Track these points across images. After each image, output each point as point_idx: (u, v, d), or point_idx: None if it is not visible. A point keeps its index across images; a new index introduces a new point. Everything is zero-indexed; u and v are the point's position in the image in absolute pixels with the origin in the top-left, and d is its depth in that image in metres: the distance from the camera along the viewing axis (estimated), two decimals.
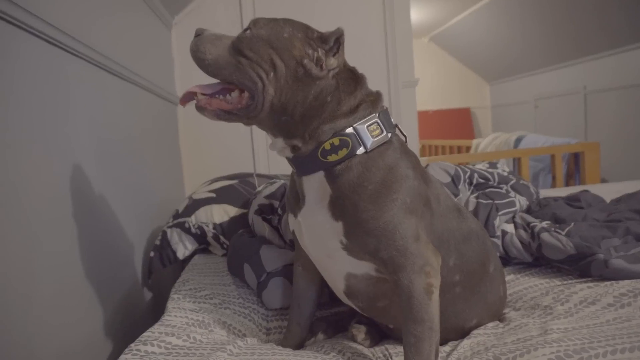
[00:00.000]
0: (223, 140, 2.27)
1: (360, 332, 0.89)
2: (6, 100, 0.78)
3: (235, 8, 2.21)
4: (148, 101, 1.74)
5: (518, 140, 3.15)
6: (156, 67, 1.92)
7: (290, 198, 0.82)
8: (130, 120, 1.49)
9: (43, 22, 0.89)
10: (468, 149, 3.80)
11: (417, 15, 4.62)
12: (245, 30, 0.72)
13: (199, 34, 0.74)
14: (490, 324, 0.88)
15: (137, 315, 1.36)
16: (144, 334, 0.78)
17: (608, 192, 1.51)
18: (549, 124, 4.50)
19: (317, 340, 0.92)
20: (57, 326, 0.88)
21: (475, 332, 0.84)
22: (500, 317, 0.93)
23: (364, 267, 0.75)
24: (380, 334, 0.91)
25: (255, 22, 0.73)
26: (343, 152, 0.70)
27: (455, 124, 5.49)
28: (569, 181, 2.65)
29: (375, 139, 0.71)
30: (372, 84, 0.78)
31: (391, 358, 0.81)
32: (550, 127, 4.29)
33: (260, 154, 2.26)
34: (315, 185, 0.74)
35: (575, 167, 2.59)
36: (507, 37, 4.60)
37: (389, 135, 0.73)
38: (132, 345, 0.73)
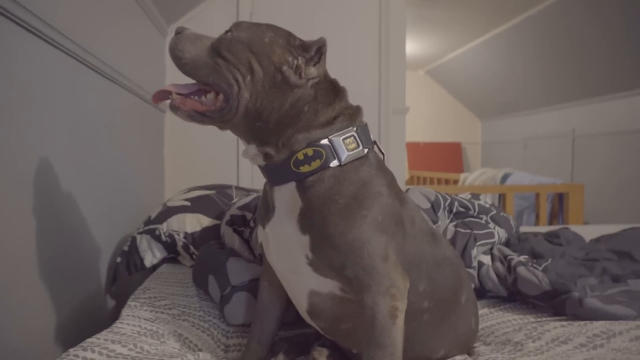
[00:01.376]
0: (209, 150, 2.24)
1: (322, 355, 0.84)
2: None
3: (233, 18, 2.22)
4: (135, 105, 1.72)
5: (505, 177, 3.16)
6: (147, 73, 1.90)
7: (261, 209, 0.79)
8: (114, 122, 1.46)
9: (34, 16, 0.88)
10: (456, 182, 3.81)
11: (414, 47, 4.71)
12: (227, 32, 0.70)
13: (179, 32, 0.72)
14: (458, 358, 0.83)
15: (95, 322, 1.29)
16: (88, 339, 0.73)
17: (589, 232, 1.50)
18: (537, 164, 4.55)
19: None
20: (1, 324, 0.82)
21: None
22: (469, 351, 0.89)
23: (328, 286, 0.71)
24: (341, 357, 0.86)
25: (237, 25, 0.71)
26: (316, 164, 0.68)
27: (446, 158, 5.53)
28: (552, 221, 2.64)
29: (350, 153, 0.69)
30: (363, 109, 0.76)
31: None
32: (538, 167, 4.34)
33: (245, 167, 2.23)
34: (285, 196, 0.71)
35: (559, 207, 2.59)
36: (502, 76, 4.69)
37: (365, 150, 0.71)
38: (71, 350, 0.68)
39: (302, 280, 0.73)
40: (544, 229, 1.68)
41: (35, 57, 0.95)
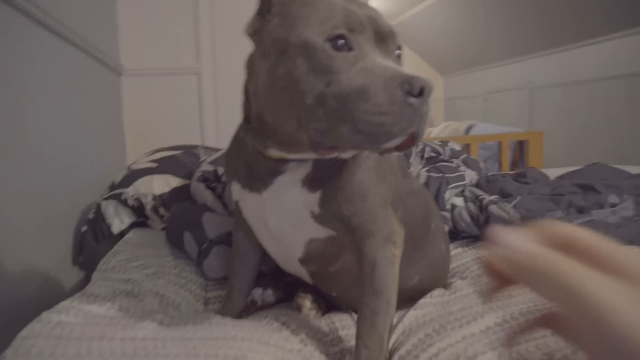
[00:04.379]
0: (170, 112, 2.15)
1: (306, 299, 0.84)
2: None
3: None
4: (89, 66, 1.60)
5: (468, 129, 3.22)
6: (100, 33, 1.77)
7: (246, 174, 0.71)
8: (67, 83, 1.36)
9: None
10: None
11: (375, 4, 4.61)
12: None
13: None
14: (435, 292, 0.86)
15: (63, 295, 1.25)
16: (61, 302, 0.70)
17: (552, 174, 1.56)
18: (497, 116, 4.66)
19: (266, 296, 0.87)
20: None
21: (421, 301, 0.82)
22: (445, 284, 0.92)
23: (327, 231, 0.70)
24: (326, 304, 0.87)
25: None
26: None
27: None
28: (513, 167, 2.74)
29: None
30: None
31: (337, 331, 0.77)
32: (498, 119, 4.45)
33: (209, 128, 2.15)
34: (294, 165, 0.66)
35: (519, 154, 2.68)
36: (464, 31, 4.70)
37: None
38: (44, 313, 0.64)
39: (301, 233, 0.71)
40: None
41: None
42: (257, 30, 0.58)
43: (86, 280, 1.42)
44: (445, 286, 0.91)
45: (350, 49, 0.50)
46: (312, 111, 0.50)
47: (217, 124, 2.14)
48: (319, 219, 0.67)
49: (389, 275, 0.65)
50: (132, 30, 2.07)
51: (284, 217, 0.69)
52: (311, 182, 0.65)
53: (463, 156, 1.28)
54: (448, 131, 3.47)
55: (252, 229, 0.78)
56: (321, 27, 0.50)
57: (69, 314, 0.65)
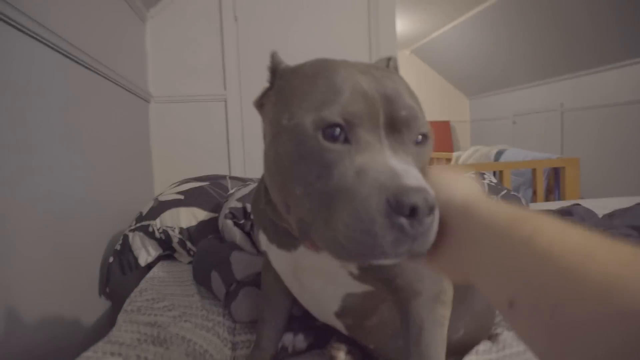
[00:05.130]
0: (197, 140, 2.15)
1: (340, 351, 0.79)
2: None
3: (215, 1, 2.12)
4: (118, 96, 1.62)
5: (499, 154, 3.13)
6: (128, 62, 1.80)
7: (269, 226, 0.67)
8: (97, 114, 1.37)
9: (9, 5, 0.79)
10: (448, 160, 3.77)
11: (399, 26, 4.62)
12: None
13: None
14: (481, 347, 0.79)
15: (90, 328, 1.22)
16: (84, 353, 0.66)
17: (595, 207, 1.47)
18: (526, 139, 4.54)
19: (297, 342, 0.82)
20: None
21: (466, 359, 0.75)
22: (491, 335, 0.85)
23: (366, 286, 0.65)
24: (361, 354, 0.81)
25: None
26: None
27: (436, 137, 5.46)
28: (548, 196, 2.63)
29: None
30: None
31: None
32: (528, 143, 4.33)
33: (236, 156, 2.14)
34: None
35: (555, 182, 2.57)
36: (488, 52, 4.64)
37: None
38: None
39: (337, 289, 0.66)
40: (548, 205, 1.65)
41: (13, 50, 0.86)
42: (262, 104, 0.53)
43: (112, 310, 1.40)
44: (490, 337, 0.84)
45: (347, 140, 0.41)
46: (300, 202, 0.43)
47: (244, 150, 2.13)
48: (359, 278, 0.62)
49: (437, 339, 0.60)
50: (160, 58, 2.10)
51: (317, 275, 0.65)
52: None
53: (503, 192, 1.21)
54: (477, 156, 3.38)
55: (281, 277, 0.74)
56: (315, 112, 0.42)
57: None
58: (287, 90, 0.48)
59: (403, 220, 0.37)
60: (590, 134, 3.78)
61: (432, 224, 0.39)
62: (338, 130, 0.41)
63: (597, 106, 3.69)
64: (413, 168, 0.41)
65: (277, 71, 0.52)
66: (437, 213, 0.39)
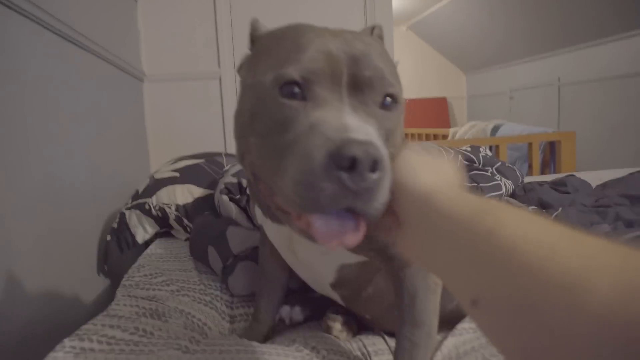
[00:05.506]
0: (193, 119, 2.13)
1: (336, 322, 0.80)
2: None
3: None
4: (112, 75, 1.60)
5: (495, 129, 3.12)
6: (121, 41, 1.76)
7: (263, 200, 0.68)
8: (91, 93, 1.35)
9: None
10: (445, 137, 3.76)
11: (396, 2, 4.53)
12: None
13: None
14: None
15: (89, 305, 1.24)
16: (83, 326, 0.67)
17: (589, 179, 1.47)
18: (523, 114, 4.52)
19: (294, 314, 0.83)
20: None
21: (459, 326, 0.76)
22: None
23: (360, 256, 0.65)
24: (357, 325, 0.83)
25: None
26: None
27: (432, 113, 5.46)
28: (544, 170, 2.64)
29: None
30: None
31: (369, 357, 0.72)
32: (525, 118, 4.31)
33: (231, 133, 2.13)
34: None
35: (550, 156, 2.58)
36: (485, 27, 4.58)
37: None
38: (66, 340, 0.62)
39: (331, 259, 0.67)
40: (544, 178, 1.65)
41: (4, 29, 0.84)
42: (240, 69, 0.55)
43: (111, 288, 1.41)
44: None
45: (304, 98, 0.41)
46: (254, 152, 0.44)
47: None
48: (352, 249, 0.63)
49: (430, 306, 0.60)
50: (153, 36, 2.06)
51: (312, 247, 0.65)
52: None
53: (498, 164, 1.21)
54: (474, 131, 3.37)
55: (278, 250, 0.74)
56: (275, 70, 0.42)
57: (92, 340, 0.63)
58: (257, 52, 0.49)
59: (342, 173, 0.36)
60: (586, 107, 3.77)
61: (379, 182, 0.37)
62: (296, 87, 0.41)
63: (594, 80, 3.67)
64: (369, 127, 0.40)
65: (254, 37, 0.53)
66: (385, 172, 0.38)
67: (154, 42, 2.06)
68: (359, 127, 0.39)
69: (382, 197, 0.38)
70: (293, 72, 0.41)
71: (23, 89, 0.93)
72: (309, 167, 0.37)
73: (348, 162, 0.35)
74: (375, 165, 0.36)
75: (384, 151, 0.38)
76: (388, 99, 0.44)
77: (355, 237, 0.39)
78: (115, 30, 1.70)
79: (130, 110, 1.89)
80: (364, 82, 0.43)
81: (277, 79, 0.42)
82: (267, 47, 0.47)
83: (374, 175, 0.36)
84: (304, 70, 0.41)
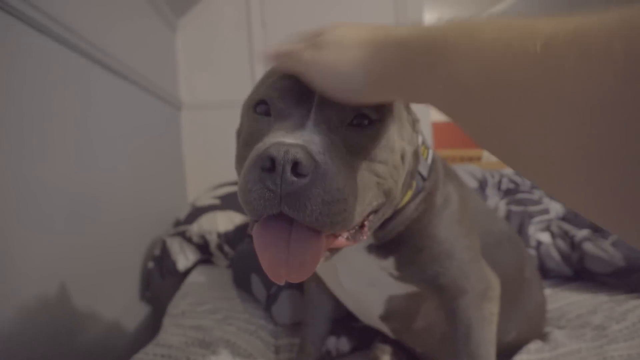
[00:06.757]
0: (229, 146, 2.17)
1: (384, 353, 0.78)
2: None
3: (242, 11, 2.14)
4: (149, 103, 1.66)
5: None
6: (159, 70, 1.84)
7: None
8: (129, 121, 1.40)
9: (41, 12, 0.82)
10: (479, 158, 3.69)
11: (430, 18, 4.56)
12: None
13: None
14: (532, 346, 0.76)
15: (132, 332, 1.25)
16: (136, 355, 0.68)
17: None
18: None
19: (340, 345, 0.81)
20: (37, 338, 0.77)
21: (517, 358, 0.73)
22: (542, 334, 0.82)
23: (409, 287, 0.64)
24: (406, 356, 0.80)
25: None
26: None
27: (461, 134, 5.37)
28: None
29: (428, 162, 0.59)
30: None
31: None
32: None
33: None
34: None
35: None
36: None
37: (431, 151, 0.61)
38: None
39: (380, 291, 0.65)
40: None
41: (47, 56, 0.89)
42: None
43: (153, 315, 1.42)
44: (541, 336, 0.81)
45: (268, 113, 0.45)
46: (237, 165, 0.49)
47: None
48: (400, 279, 0.61)
49: (487, 337, 0.58)
50: (190, 66, 2.14)
51: (358, 277, 0.64)
52: (378, 250, 0.58)
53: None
54: None
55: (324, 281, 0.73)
56: (253, 93, 0.49)
57: None
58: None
59: (263, 174, 0.36)
60: None
61: (307, 188, 0.36)
62: (264, 106, 0.45)
63: None
64: (316, 136, 0.39)
65: None
66: (319, 178, 0.36)
67: (191, 71, 2.14)
68: (301, 134, 0.39)
69: (314, 205, 0.36)
70: (261, 93, 0.46)
71: (60, 117, 0.96)
72: (244, 171, 0.39)
73: (268, 162, 0.36)
74: (297, 167, 0.36)
75: (320, 157, 0.37)
76: (360, 118, 0.44)
77: (285, 248, 0.38)
78: (155, 60, 1.77)
79: (169, 138, 1.95)
80: (330, 100, 0.42)
81: (252, 100, 0.47)
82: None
83: (301, 179, 0.36)
84: (270, 89, 0.45)
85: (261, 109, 0.45)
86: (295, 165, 0.36)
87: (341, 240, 0.43)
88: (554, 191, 0.25)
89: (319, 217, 0.37)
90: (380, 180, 0.44)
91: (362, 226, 0.46)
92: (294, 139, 0.38)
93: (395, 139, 0.47)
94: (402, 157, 0.48)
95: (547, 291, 0.98)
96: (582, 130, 0.21)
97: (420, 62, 0.32)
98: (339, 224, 0.38)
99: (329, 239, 0.41)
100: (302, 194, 0.36)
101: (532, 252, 1.00)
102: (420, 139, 0.57)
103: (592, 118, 0.20)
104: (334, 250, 0.44)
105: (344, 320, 0.89)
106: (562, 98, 0.21)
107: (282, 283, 0.39)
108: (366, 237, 0.47)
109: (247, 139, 0.46)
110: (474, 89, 0.27)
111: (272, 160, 0.36)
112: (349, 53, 0.38)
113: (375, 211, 0.47)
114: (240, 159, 0.47)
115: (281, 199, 0.36)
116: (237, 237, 1.22)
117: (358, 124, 0.43)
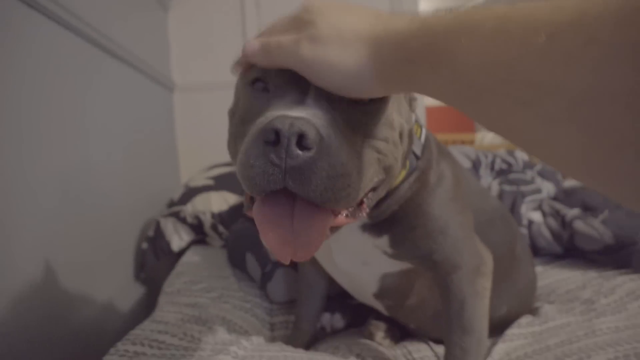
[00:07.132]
0: (222, 127, 2.15)
1: (379, 329, 0.79)
2: None
3: None
4: (141, 83, 1.63)
5: None
6: (151, 51, 1.81)
7: None
8: (122, 101, 1.38)
9: None
10: (472, 142, 3.70)
11: (425, 8, 4.51)
12: None
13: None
14: (523, 320, 0.78)
15: (127, 312, 1.26)
16: (133, 331, 0.68)
17: None
18: None
19: (335, 321, 0.82)
20: (33, 321, 0.77)
21: (509, 332, 0.74)
22: (532, 309, 0.83)
23: (402, 264, 0.64)
24: (400, 332, 0.81)
25: None
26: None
27: (457, 117, 5.39)
28: None
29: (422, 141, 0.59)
30: None
31: None
32: None
33: None
34: None
35: None
36: None
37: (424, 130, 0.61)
38: (119, 344, 0.63)
39: (373, 269, 0.66)
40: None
41: (35, 33, 0.87)
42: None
43: (148, 295, 1.43)
44: (532, 311, 0.83)
45: (266, 89, 0.43)
46: (230, 141, 0.49)
47: None
48: (394, 256, 0.61)
49: (480, 311, 0.59)
50: (183, 47, 2.11)
51: (352, 256, 0.64)
52: (372, 229, 0.59)
53: (538, 167, 1.18)
54: None
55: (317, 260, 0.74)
56: (249, 73, 0.46)
57: (144, 345, 0.64)
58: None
59: (267, 147, 0.35)
60: None
61: (312, 161, 0.35)
62: (261, 83, 0.44)
63: None
64: (319, 110, 0.38)
65: None
66: (323, 153, 0.35)
67: (183, 53, 2.11)
68: (304, 108, 0.38)
69: (318, 179, 0.35)
70: (260, 70, 0.44)
71: (60, 96, 0.95)
72: (246, 146, 0.37)
73: (272, 135, 0.35)
74: (303, 140, 0.35)
75: (324, 130, 0.36)
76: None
77: (290, 226, 0.37)
78: (147, 40, 1.74)
79: (161, 119, 1.93)
80: None
81: (250, 77, 0.45)
82: None
83: (306, 153, 0.35)
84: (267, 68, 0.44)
85: (259, 86, 0.44)
86: (301, 139, 0.34)
87: (341, 217, 0.42)
88: (573, 176, 0.26)
89: (323, 192, 0.35)
90: (380, 156, 0.44)
91: (361, 203, 0.46)
92: (295, 112, 0.37)
93: (394, 116, 0.46)
94: (401, 135, 0.48)
95: (538, 268, 0.99)
96: (600, 119, 0.21)
97: (423, 64, 0.31)
98: (343, 200, 0.37)
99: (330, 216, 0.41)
100: (307, 168, 0.35)
101: (524, 230, 1.02)
102: (413, 118, 0.57)
103: (607, 107, 0.20)
104: (333, 229, 0.43)
105: (338, 298, 0.90)
106: (572, 89, 0.22)
107: (287, 262, 0.38)
108: (365, 214, 0.47)
109: (244, 116, 0.44)
110: (479, 84, 0.27)
111: (277, 133, 0.34)
112: (351, 49, 0.36)
113: (374, 188, 0.48)
114: (235, 137, 0.46)
115: (285, 174, 0.35)
116: (231, 217, 1.22)
117: (358, 101, 0.42)
